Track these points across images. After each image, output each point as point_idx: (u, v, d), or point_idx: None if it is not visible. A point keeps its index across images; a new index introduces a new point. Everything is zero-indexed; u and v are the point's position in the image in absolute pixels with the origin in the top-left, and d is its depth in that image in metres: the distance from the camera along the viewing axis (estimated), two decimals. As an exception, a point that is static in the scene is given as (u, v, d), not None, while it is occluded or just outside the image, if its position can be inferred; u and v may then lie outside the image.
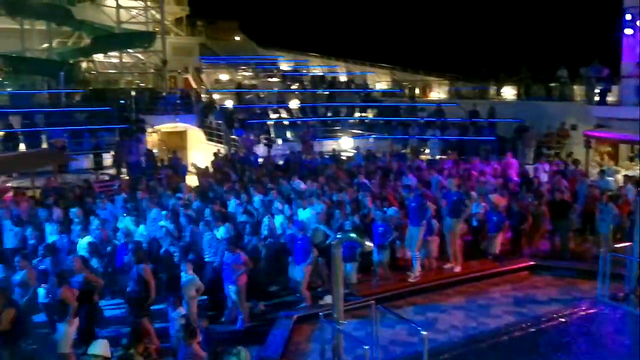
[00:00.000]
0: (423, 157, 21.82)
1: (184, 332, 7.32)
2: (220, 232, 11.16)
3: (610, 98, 21.18)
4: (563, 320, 10.13)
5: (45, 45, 28.55)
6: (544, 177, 16.67)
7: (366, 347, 7.09)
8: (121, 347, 6.62)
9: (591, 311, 10.42)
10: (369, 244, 8.20)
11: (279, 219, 12.18)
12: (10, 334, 7.75)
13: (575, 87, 23.68)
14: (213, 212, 11.94)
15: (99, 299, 9.62)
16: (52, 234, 11.55)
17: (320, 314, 8.07)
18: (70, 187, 15.73)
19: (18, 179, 18.36)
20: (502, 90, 27.42)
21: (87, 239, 11.08)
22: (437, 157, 21.60)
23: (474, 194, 13.67)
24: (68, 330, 8.35)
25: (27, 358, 8.67)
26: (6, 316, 7.83)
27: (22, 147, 20.64)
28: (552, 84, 24.58)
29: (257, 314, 10.52)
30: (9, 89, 25.47)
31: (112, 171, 19.98)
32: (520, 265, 12.67)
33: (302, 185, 14.89)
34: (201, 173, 17.99)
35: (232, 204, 13.44)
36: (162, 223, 11.52)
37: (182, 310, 8.74)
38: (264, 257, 11.38)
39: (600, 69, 20.72)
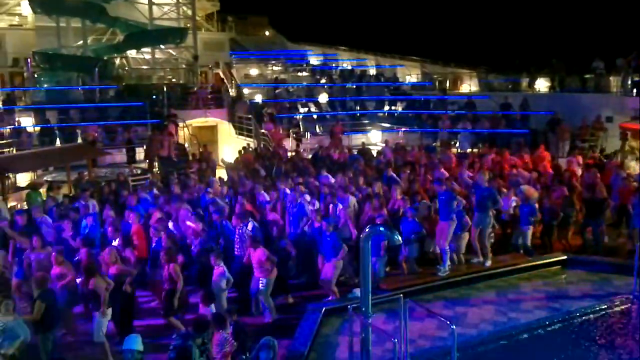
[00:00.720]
0: (453, 150, 21.60)
1: (213, 322, 7.40)
2: (248, 227, 11.27)
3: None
4: (596, 315, 9.96)
5: (80, 42, 29.13)
6: (578, 171, 16.33)
7: (394, 340, 7.09)
8: (179, 337, 6.62)
9: (626, 307, 10.22)
10: (398, 238, 8.17)
11: (306, 211, 12.19)
12: (40, 324, 8.00)
13: (611, 78, 23.12)
14: (242, 207, 12.05)
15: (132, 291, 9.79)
16: (86, 228, 11.79)
17: (348, 307, 8.09)
18: (106, 181, 16.06)
19: (53, 172, 18.84)
20: (535, 82, 26.93)
21: (120, 232, 11.31)
22: (468, 150, 21.37)
23: (505, 190, 13.52)
24: (101, 320, 8.57)
25: (64, 348, 8.95)
26: (37, 308, 8.11)
27: (58, 142, 21.19)
28: (587, 76, 24.05)
29: (285, 306, 10.60)
30: (45, 85, 26.12)
31: (145, 165, 20.33)
32: (553, 259, 12.47)
33: (331, 180, 14.90)
34: (229, 167, 18.17)
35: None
36: (189, 223, 11.65)
37: (212, 308, 8.84)
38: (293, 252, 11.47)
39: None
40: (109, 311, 8.74)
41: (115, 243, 10.92)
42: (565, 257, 12.49)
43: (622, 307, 10.24)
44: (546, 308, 10.32)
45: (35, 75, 26.46)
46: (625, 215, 13.49)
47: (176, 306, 9.53)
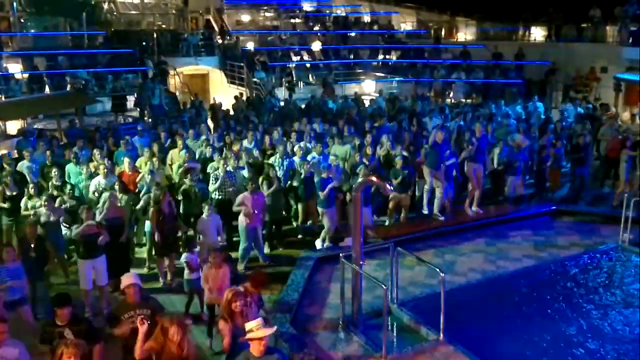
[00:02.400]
0: (447, 100, 21.47)
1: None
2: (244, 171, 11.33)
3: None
4: (583, 264, 10.16)
5: (67, -15, 28.28)
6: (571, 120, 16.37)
7: (384, 287, 7.22)
8: None
9: (612, 256, 10.42)
10: (389, 187, 8.22)
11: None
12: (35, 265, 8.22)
13: (608, 27, 22.81)
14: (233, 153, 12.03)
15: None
16: (76, 175, 11.69)
17: (340, 255, 8.20)
18: (95, 128, 15.89)
19: (43, 120, 18.63)
20: (531, 31, 26.55)
21: (114, 179, 11.24)
22: (462, 100, 21.26)
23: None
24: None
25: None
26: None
27: (47, 89, 20.82)
28: (584, 25, 23.72)
29: (278, 255, 10.73)
30: (32, 31, 25.45)
31: (135, 113, 20.11)
32: (542, 209, 12.61)
33: (320, 129, 14.81)
34: (222, 116, 18.00)
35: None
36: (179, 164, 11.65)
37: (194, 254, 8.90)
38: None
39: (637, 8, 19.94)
40: (101, 259, 8.77)
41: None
42: (554, 207, 12.64)
43: (608, 256, 10.44)
44: (534, 257, 10.50)
45: (22, 20, 25.74)
46: (614, 166, 13.60)
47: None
